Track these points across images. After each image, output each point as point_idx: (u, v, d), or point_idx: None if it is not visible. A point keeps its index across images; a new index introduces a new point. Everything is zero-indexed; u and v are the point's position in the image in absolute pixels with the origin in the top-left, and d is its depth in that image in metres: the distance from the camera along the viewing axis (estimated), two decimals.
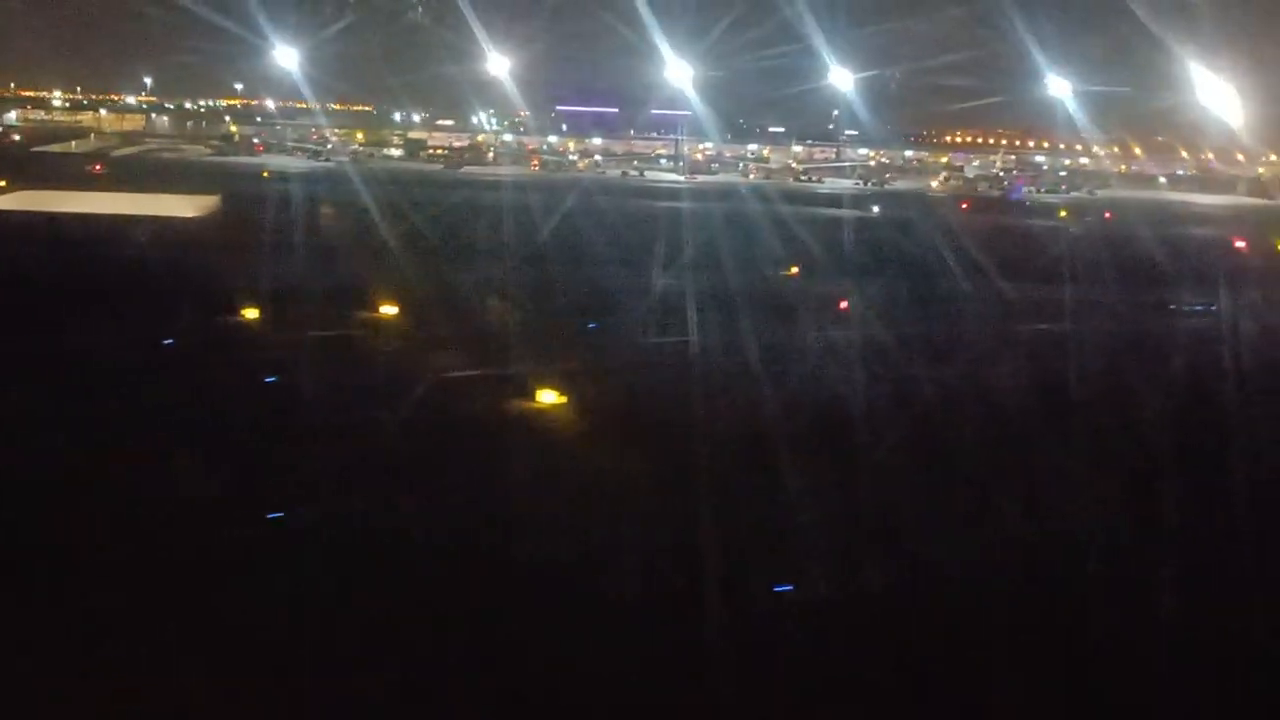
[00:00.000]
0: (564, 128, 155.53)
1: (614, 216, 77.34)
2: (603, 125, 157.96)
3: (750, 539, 20.12)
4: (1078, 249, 66.36)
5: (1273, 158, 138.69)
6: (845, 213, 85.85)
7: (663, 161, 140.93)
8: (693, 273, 52.00)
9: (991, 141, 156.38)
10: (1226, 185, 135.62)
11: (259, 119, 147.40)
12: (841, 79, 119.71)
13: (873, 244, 66.17)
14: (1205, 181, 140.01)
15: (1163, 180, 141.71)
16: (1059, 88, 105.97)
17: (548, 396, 28.27)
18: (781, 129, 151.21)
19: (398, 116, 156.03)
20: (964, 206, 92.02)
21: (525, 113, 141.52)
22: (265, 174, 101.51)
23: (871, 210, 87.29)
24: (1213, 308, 50.32)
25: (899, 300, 48.02)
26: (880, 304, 46.89)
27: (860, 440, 26.15)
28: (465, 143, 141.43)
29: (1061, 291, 49.37)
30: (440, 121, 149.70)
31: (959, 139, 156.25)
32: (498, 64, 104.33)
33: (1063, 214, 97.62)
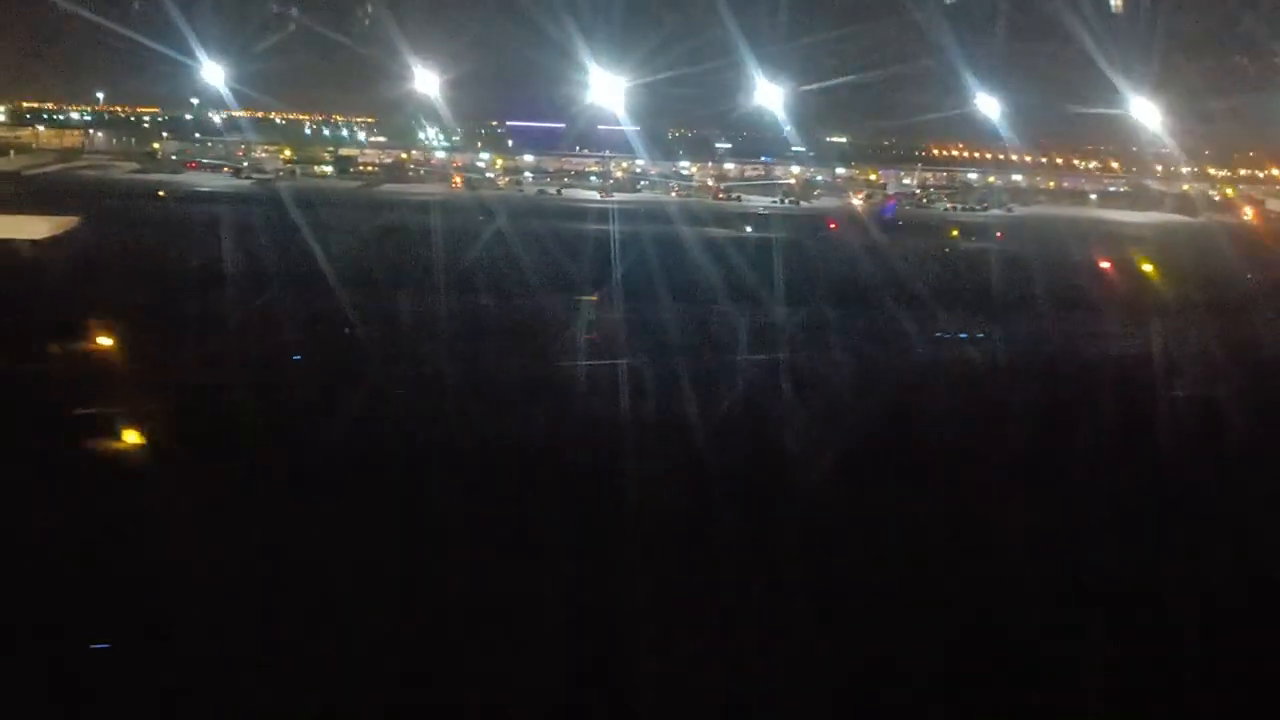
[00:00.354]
0: (510, 144, 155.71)
1: (475, 238, 76.89)
2: (550, 141, 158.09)
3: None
4: (901, 272, 65.86)
5: (1200, 171, 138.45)
6: (719, 232, 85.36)
7: (593, 179, 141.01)
8: (478, 297, 52.20)
9: (940, 155, 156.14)
10: (1155, 202, 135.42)
11: (196, 135, 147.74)
12: (783, 96, 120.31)
13: (699, 266, 65.78)
14: (1135, 198, 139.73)
15: (1093, 197, 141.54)
16: (994, 105, 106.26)
17: (130, 437, 28.53)
18: (729, 145, 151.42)
19: (345, 132, 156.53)
20: (832, 226, 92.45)
21: (466, 129, 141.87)
22: (160, 194, 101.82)
23: (744, 230, 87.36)
24: (979, 336, 50.17)
25: (666, 328, 47.95)
26: (647, 332, 46.94)
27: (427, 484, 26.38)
28: (393, 160, 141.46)
29: (825, 316, 49.36)
30: (374, 138, 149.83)
31: (898, 154, 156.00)
32: (441, 79, 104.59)
33: (954, 233, 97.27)
